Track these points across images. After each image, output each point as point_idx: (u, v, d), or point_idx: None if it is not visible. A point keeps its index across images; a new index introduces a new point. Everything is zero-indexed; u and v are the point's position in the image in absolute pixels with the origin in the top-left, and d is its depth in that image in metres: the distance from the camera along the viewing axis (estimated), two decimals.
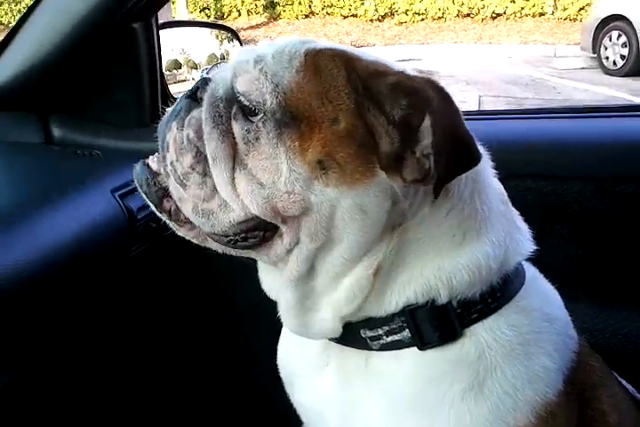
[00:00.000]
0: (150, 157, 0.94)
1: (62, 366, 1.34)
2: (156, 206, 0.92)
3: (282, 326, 1.03)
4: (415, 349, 0.87)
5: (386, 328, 0.89)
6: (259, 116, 0.83)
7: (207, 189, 0.85)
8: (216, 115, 0.85)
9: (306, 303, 0.92)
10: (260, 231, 0.87)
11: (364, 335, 0.90)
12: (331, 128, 0.81)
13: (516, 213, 0.99)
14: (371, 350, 0.91)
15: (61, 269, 1.13)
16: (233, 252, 0.91)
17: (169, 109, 0.94)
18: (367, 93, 0.81)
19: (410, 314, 0.87)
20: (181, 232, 0.93)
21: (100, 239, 1.24)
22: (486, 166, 0.95)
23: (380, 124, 0.81)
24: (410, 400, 0.88)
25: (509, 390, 0.86)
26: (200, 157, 0.85)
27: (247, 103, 0.83)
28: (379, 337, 0.89)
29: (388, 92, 0.80)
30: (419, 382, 0.88)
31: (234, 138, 0.84)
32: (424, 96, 0.78)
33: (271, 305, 0.98)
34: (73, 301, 1.24)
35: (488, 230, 0.89)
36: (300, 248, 0.86)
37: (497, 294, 0.89)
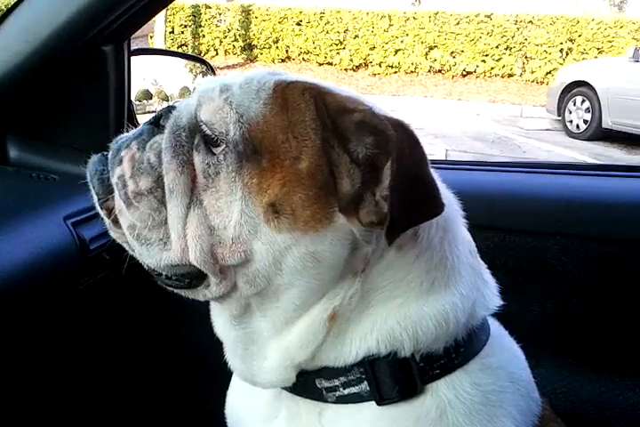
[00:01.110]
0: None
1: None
2: (99, 200, 0.87)
3: None
4: (373, 403, 0.82)
5: (343, 379, 0.83)
6: (221, 148, 0.79)
7: (158, 217, 0.81)
8: (177, 144, 0.81)
9: (252, 349, 0.87)
10: (187, 279, 0.83)
11: (319, 386, 0.85)
12: (292, 167, 0.77)
13: (483, 265, 0.95)
14: (326, 402, 0.85)
15: (2, 296, 1.05)
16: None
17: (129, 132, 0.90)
18: (335, 129, 0.78)
19: (370, 365, 0.82)
20: (113, 234, 0.88)
21: (47, 268, 1.18)
22: (457, 216, 0.93)
23: (343, 164, 0.77)
24: None
25: None
26: (161, 183, 0.81)
27: (209, 133, 0.79)
28: (335, 388, 0.84)
29: (354, 130, 0.77)
30: None
31: (194, 170, 0.80)
32: (387, 135, 0.74)
33: None
34: (15, 330, 1.16)
35: (457, 281, 0.85)
36: (237, 293, 0.82)
37: (461, 349, 0.85)
